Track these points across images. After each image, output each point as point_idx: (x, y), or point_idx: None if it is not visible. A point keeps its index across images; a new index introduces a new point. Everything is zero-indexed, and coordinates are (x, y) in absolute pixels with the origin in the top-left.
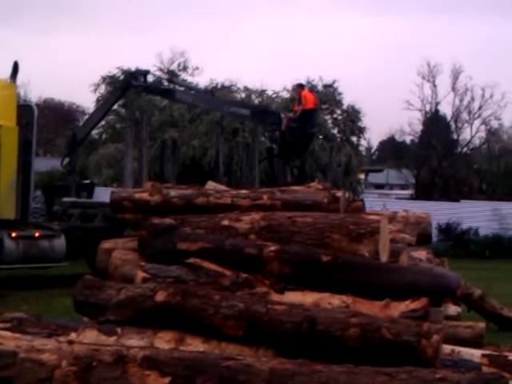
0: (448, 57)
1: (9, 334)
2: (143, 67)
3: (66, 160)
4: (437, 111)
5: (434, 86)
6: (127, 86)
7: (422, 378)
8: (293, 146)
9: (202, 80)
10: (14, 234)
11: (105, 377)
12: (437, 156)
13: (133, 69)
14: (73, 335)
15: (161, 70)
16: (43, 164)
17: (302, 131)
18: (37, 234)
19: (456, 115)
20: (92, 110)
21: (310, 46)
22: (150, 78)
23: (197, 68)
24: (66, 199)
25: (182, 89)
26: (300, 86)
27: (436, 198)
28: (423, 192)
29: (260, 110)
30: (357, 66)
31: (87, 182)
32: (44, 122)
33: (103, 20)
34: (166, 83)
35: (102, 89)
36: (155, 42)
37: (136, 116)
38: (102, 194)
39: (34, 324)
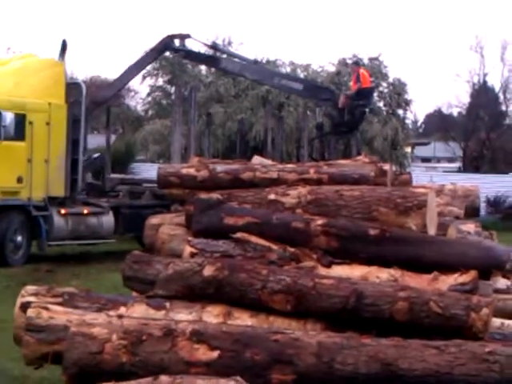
0: (496, 28)
1: (60, 308)
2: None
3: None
4: (485, 83)
5: (482, 57)
6: (165, 48)
7: (471, 352)
8: (347, 124)
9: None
10: (63, 211)
11: (154, 350)
12: (485, 128)
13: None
14: (122, 309)
15: (205, 45)
16: (90, 140)
17: (360, 109)
18: (85, 211)
19: (504, 86)
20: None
21: (353, 19)
22: (191, 44)
23: (242, 43)
24: (113, 176)
25: (228, 57)
26: (356, 64)
27: (484, 170)
28: (471, 165)
29: (313, 85)
30: (403, 39)
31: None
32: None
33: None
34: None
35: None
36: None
37: (182, 92)
38: (149, 170)
39: (84, 299)
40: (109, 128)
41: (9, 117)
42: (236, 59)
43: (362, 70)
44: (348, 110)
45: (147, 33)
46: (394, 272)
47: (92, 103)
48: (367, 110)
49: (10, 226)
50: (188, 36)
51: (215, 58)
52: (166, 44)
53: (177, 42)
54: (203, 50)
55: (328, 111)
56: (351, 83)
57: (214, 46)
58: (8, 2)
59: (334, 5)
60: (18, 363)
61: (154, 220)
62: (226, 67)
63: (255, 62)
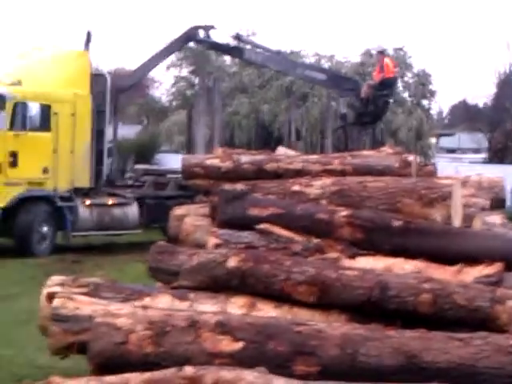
0: None
1: (85, 298)
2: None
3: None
4: (511, 73)
5: (508, 47)
6: (189, 39)
7: (496, 344)
8: (370, 114)
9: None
10: (88, 202)
11: (178, 341)
12: (511, 119)
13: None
14: (147, 300)
15: (229, 36)
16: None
17: (383, 99)
18: (110, 202)
19: None
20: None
21: (378, 10)
22: (215, 35)
23: (266, 34)
24: (138, 166)
25: (252, 47)
26: (381, 53)
27: (510, 161)
28: (496, 156)
29: (336, 76)
30: (428, 30)
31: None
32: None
33: None
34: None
35: (173, 55)
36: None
37: (207, 83)
38: (174, 161)
39: (109, 289)
40: (116, 116)
41: (34, 107)
42: (259, 50)
43: (386, 60)
44: (371, 100)
45: (171, 25)
46: (419, 264)
47: (114, 90)
48: (391, 100)
49: (35, 216)
50: (212, 27)
51: (239, 48)
52: (191, 35)
53: (201, 33)
54: (227, 41)
55: (351, 101)
56: (374, 72)
57: (237, 37)
58: None
59: None
60: (43, 353)
61: (178, 211)
62: (249, 58)
63: (278, 52)
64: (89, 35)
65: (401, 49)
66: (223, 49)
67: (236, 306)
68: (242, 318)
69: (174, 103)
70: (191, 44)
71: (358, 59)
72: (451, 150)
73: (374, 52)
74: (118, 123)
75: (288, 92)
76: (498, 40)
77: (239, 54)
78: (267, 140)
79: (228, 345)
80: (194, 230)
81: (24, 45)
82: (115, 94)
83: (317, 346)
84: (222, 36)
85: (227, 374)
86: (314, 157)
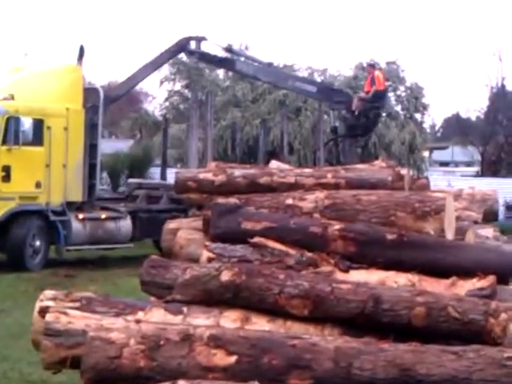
0: None
1: (78, 313)
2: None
3: None
4: (503, 86)
5: (500, 60)
6: (180, 50)
7: (489, 357)
8: (361, 126)
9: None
10: (81, 216)
11: (172, 355)
12: (503, 132)
13: None
14: (140, 314)
15: (221, 48)
16: (108, 146)
17: (374, 111)
18: (103, 216)
19: None
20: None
21: (370, 24)
22: (206, 47)
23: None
24: (131, 180)
25: (243, 59)
26: (372, 66)
27: (503, 174)
28: (489, 169)
29: (327, 88)
30: (420, 43)
31: None
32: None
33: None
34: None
35: (166, 69)
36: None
37: (200, 97)
38: (167, 175)
39: (102, 303)
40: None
41: (27, 122)
42: (251, 62)
43: (377, 73)
44: (362, 112)
45: (165, 38)
46: (412, 277)
47: (104, 100)
48: (382, 112)
49: (28, 230)
50: (204, 38)
51: (230, 60)
52: (182, 45)
53: (192, 44)
54: (219, 53)
55: (343, 114)
56: (365, 85)
57: (229, 49)
58: (25, 8)
59: (351, 10)
60: (36, 367)
61: (171, 225)
62: (240, 69)
63: (270, 64)
64: (82, 49)
65: (393, 62)
66: (215, 60)
67: (229, 320)
68: (236, 332)
69: (168, 117)
70: (184, 58)
71: (351, 73)
72: (444, 164)
73: (365, 65)
74: (111, 136)
75: (281, 106)
76: (490, 53)
77: (231, 65)
78: (261, 154)
79: (222, 359)
80: (187, 244)
81: (17, 59)
82: (106, 103)
83: (311, 360)
84: (213, 48)
85: None
86: (308, 170)
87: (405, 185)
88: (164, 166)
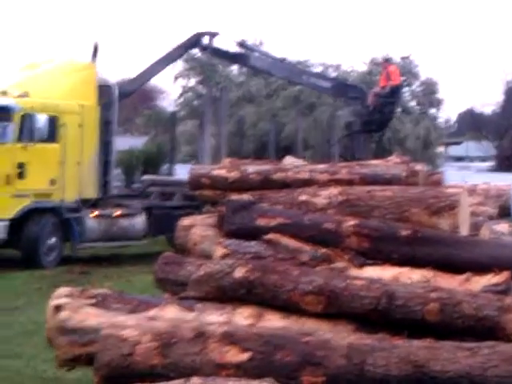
0: None
1: (92, 310)
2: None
3: None
4: None
5: None
6: (193, 45)
7: (504, 353)
8: (376, 122)
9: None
10: (95, 213)
11: (185, 352)
12: None
13: None
14: (154, 311)
15: (234, 43)
16: (123, 142)
17: (389, 106)
18: (117, 213)
19: None
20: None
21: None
22: (220, 43)
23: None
24: (145, 177)
25: (257, 54)
26: (387, 61)
27: None
28: (504, 164)
29: (341, 83)
30: (435, 38)
31: None
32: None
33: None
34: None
35: (180, 65)
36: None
37: (213, 93)
38: (181, 171)
39: (117, 300)
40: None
41: (42, 119)
42: (264, 57)
43: (392, 67)
44: (377, 107)
45: (178, 34)
46: (426, 273)
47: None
48: (396, 107)
49: (43, 228)
50: (217, 34)
51: (243, 55)
52: (195, 41)
53: (205, 40)
54: (232, 49)
55: (358, 109)
56: (380, 80)
57: (242, 44)
58: (40, 6)
59: (365, 5)
60: (50, 365)
61: (185, 221)
62: (254, 65)
63: (283, 60)
64: (96, 46)
65: (407, 57)
66: (228, 55)
67: (243, 317)
68: (249, 329)
69: (182, 113)
70: (198, 54)
71: (365, 68)
72: (459, 159)
73: (380, 60)
74: (125, 134)
75: (296, 101)
76: (506, 48)
77: (244, 60)
78: (275, 149)
79: (235, 355)
80: (201, 241)
81: (31, 56)
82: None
83: (324, 357)
84: (227, 44)
85: None
86: (322, 166)
87: (419, 180)
88: (171, 162)
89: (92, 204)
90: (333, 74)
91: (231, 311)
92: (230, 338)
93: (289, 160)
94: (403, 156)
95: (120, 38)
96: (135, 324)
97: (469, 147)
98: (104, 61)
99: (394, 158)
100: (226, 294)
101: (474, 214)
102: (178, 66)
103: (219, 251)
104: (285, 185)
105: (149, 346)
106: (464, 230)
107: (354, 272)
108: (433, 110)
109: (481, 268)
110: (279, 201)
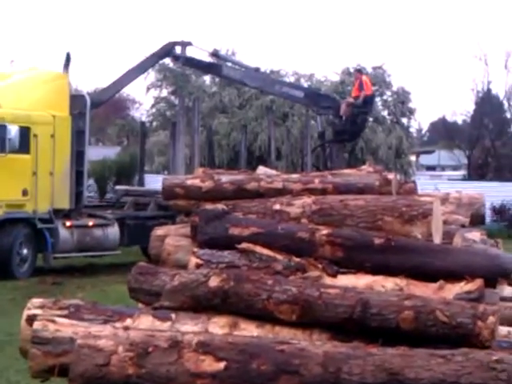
0: (500, 35)
1: (66, 320)
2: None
3: None
4: (489, 90)
5: (486, 64)
6: (165, 54)
7: (478, 360)
8: (349, 131)
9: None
10: (68, 224)
11: (160, 362)
12: (489, 136)
13: None
14: (128, 321)
15: (207, 53)
16: (95, 152)
17: (362, 116)
18: (91, 223)
19: (509, 94)
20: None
21: (357, 29)
22: (192, 52)
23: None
24: (118, 187)
25: (229, 64)
26: (359, 71)
27: (489, 178)
28: (476, 173)
29: (314, 93)
30: (407, 48)
31: None
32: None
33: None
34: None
35: (152, 76)
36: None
37: (186, 103)
38: (154, 182)
39: (90, 311)
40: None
41: (13, 130)
42: (237, 67)
43: (364, 78)
44: (350, 117)
45: (151, 44)
46: (400, 281)
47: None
48: (369, 117)
49: (15, 238)
50: (189, 43)
51: (216, 64)
52: (167, 50)
53: (178, 50)
54: (206, 59)
55: (330, 119)
56: (353, 90)
57: (215, 54)
58: (12, 15)
59: (338, 15)
60: (24, 376)
61: (159, 231)
62: (227, 74)
63: (256, 69)
64: (68, 56)
65: (380, 67)
66: (201, 65)
67: (218, 326)
68: (224, 338)
69: (154, 124)
70: (170, 64)
71: (338, 78)
72: (431, 168)
73: (352, 71)
74: (98, 144)
75: (268, 111)
76: (476, 57)
77: (216, 70)
78: (248, 159)
79: (210, 365)
80: (175, 251)
81: (2, 67)
82: (90, 108)
83: (299, 365)
84: (199, 53)
85: None
86: (295, 176)
87: (392, 189)
88: (142, 172)
89: (65, 214)
90: (306, 83)
91: (206, 321)
92: (206, 348)
93: (262, 170)
94: (376, 165)
95: (92, 47)
96: (110, 334)
97: (441, 156)
98: (76, 70)
99: (366, 168)
100: (201, 304)
101: (447, 222)
102: (151, 76)
103: (193, 261)
104: (258, 194)
105: (123, 356)
106: (437, 239)
107: (328, 281)
108: (405, 120)
109: (454, 276)
110: (253, 210)
